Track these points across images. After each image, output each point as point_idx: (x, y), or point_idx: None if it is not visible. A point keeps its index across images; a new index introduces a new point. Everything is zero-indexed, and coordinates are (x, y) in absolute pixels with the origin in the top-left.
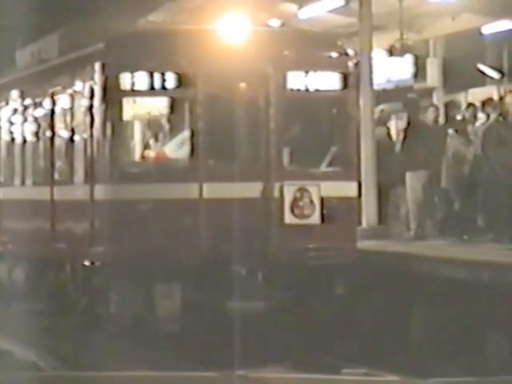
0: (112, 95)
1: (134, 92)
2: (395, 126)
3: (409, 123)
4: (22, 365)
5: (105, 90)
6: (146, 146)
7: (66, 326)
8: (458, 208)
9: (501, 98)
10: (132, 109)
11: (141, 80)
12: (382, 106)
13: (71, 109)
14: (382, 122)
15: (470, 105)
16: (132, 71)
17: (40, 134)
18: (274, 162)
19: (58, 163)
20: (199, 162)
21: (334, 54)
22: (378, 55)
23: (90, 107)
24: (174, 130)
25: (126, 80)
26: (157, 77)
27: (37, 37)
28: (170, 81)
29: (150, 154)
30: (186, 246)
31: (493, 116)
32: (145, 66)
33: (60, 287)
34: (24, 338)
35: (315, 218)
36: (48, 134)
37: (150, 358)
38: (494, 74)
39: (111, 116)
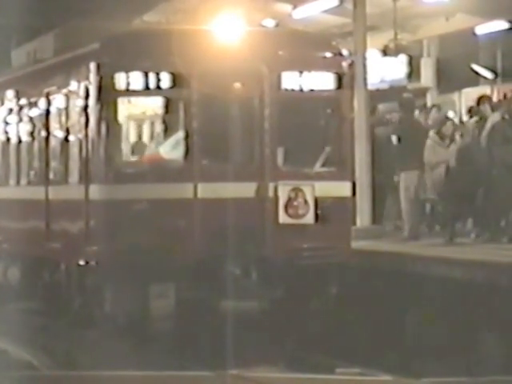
0: (107, 95)
1: (128, 92)
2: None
3: (402, 123)
4: (16, 364)
5: (100, 89)
6: (133, 151)
7: (61, 325)
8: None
9: (502, 97)
10: (127, 109)
11: (136, 80)
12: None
13: (66, 109)
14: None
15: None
16: (127, 71)
17: (35, 134)
18: (269, 161)
19: (53, 163)
20: (194, 162)
21: (329, 54)
22: (372, 55)
23: (85, 107)
24: (168, 130)
25: (120, 80)
26: (152, 77)
27: (32, 37)
28: (165, 81)
29: (130, 159)
30: (180, 246)
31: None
32: (140, 65)
33: (55, 286)
34: (19, 337)
35: (309, 218)
36: (43, 133)
37: (144, 357)
38: (488, 74)
39: (106, 116)
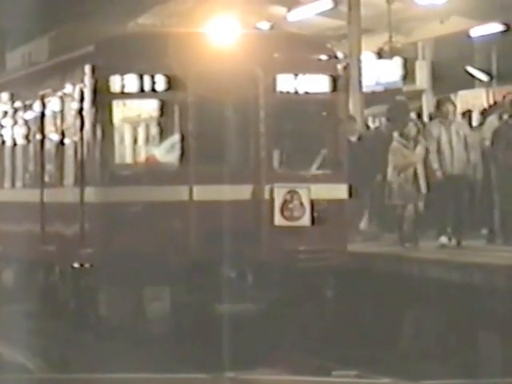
0: (102, 98)
1: (123, 94)
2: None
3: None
4: (10, 367)
5: (95, 92)
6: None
7: (56, 327)
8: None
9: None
10: (122, 111)
11: (131, 82)
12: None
13: (61, 111)
14: None
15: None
16: (122, 74)
17: (30, 137)
18: (264, 164)
19: (48, 166)
20: (189, 165)
21: (324, 57)
22: (367, 58)
23: (80, 110)
24: (164, 133)
25: (116, 82)
26: (147, 79)
27: (27, 39)
28: (160, 83)
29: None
30: (176, 248)
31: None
32: (135, 68)
33: (50, 289)
34: (13, 340)
35: (305, 220)
36: (38, 136)
37: (139, 359)
38: (483, 77)
39: (101, 119)
